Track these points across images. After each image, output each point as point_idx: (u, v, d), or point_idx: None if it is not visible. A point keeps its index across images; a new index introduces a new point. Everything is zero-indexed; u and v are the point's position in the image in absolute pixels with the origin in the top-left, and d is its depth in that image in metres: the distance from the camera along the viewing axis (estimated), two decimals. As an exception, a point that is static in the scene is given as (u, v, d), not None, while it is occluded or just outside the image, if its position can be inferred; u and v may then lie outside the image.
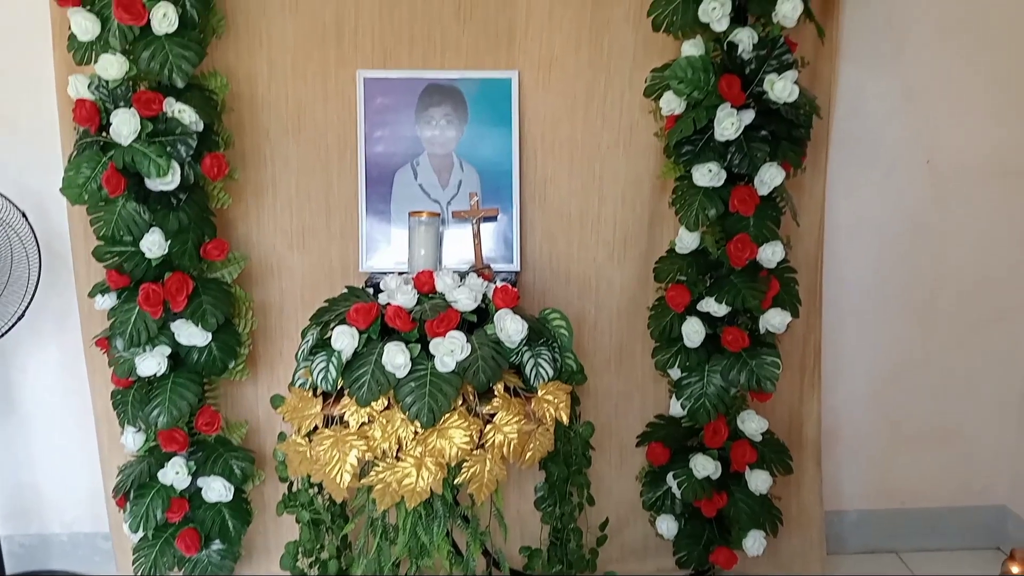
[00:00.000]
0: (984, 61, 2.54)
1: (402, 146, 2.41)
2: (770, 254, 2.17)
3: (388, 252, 2.42)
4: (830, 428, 2.74)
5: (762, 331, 2.25)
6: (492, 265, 2.41)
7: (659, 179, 2.36)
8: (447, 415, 1.86)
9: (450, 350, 1.88)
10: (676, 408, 2.36)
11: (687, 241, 2.21)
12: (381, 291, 2.07)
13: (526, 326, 1.96)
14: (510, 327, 1.94)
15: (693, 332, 2.22)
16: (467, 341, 1.89)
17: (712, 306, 2.19)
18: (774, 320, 2.20)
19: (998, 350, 2.77)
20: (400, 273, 2.21)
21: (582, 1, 2.34)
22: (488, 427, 1.89)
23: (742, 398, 2.37)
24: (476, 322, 2.01)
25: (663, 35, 2.22)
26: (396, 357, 1.87)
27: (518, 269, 2.46)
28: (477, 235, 2.41)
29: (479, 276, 2.19)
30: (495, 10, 2.35)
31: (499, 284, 2.07)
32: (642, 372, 2.55)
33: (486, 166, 2.42)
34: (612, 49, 2.36)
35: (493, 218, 2.43)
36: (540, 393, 1.97)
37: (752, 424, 2.32)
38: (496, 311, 2.01)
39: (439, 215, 2.37)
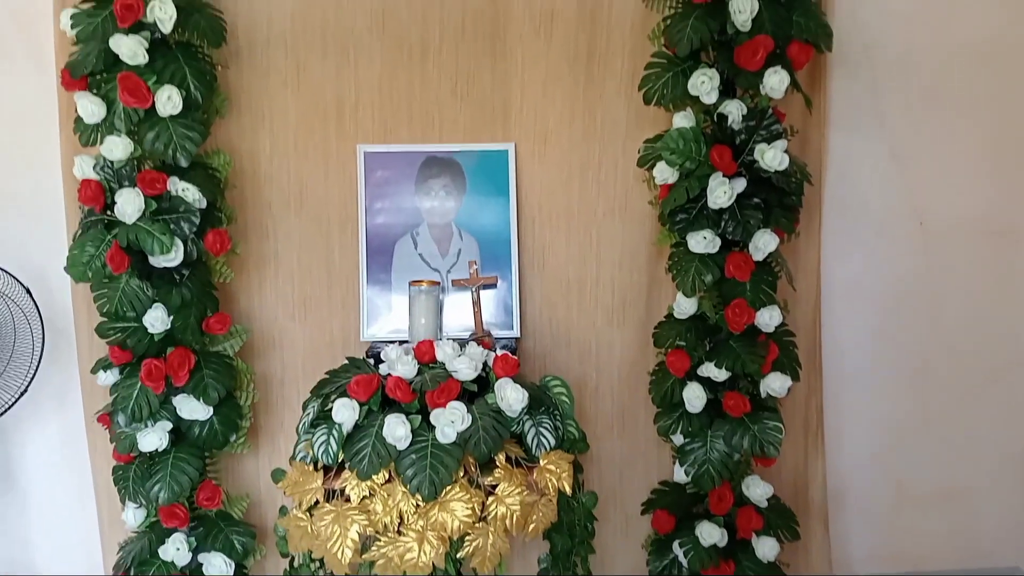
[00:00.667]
0: (967, 124, 2.59)
1: (402, 217, 2.45)
2: (768, 319, 2.18)
3: (389, 321, 2.44)
4: (836, 491, 2.70)
5: (763, 395, 2.25)
6: (492, 332, 2.42)
7: (655, 246, 2.39)
8: (449, 487, 1.85)
9: (451, 421, 1.88)
10: (680, 474, 2.33)
11: (685, 306, 2.22)
12: (382, 361, 2.06)
13: (526, 395, 1.96)
14: (511, 396, 1.94)
15: (694, 397, 2.22)
16: (468, 411, 1.89)
17: (712, 371, 2.19)
18: (775, 384, 2.20)
19: (998, 408, 2.76)
20: (401, 343, 2.22)
21: (574, 78, 2.42)
22: (490, 499, 1.88)
23: (746, 463, 2.35)
24: (477, 391, 2.00)
25: (655, 107, 2.27)
26: (397, 429, 1.86)
27: (518, 335, 2.47)
28: (477, 303, 2.42)
29: (479, 344, 2.20)
30: (490, 88, 2.42)
31: (499, 352, 2.08)
32: (645, 437, 2.53)
33: (485, 235, 2.46)
34: (605, 121, 2.43)
35: (493, 285, 2.45)
36: (542, 463, 1.95)
37: (757, 490, 2.30)
38: (496, 380, 2.01)
39: (439, 284, 2.38)
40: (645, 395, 2.43)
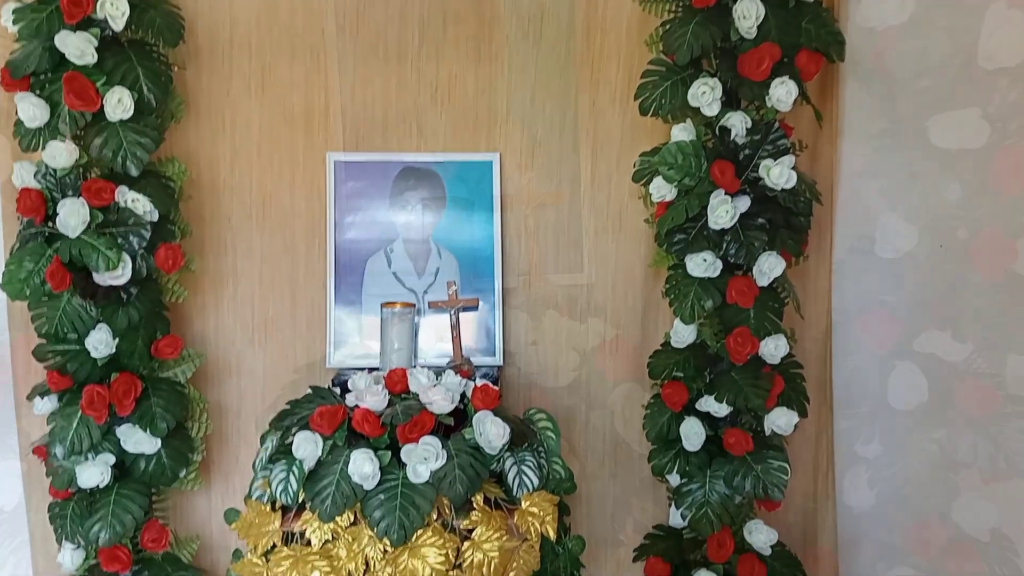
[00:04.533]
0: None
1: (375, 232, 2.44)
2: (773, 349, 2.17)
3: (359, 346, 2.42)
4: (849, 538, 2.67)
5: (768, 432, 2.23)
6: (472, 359, 2.39)
7: (651, 267, 2.37)
8: (420, 531, 1.81)
9: (424, 458, 1.85)
10: (676, 518, 2.31)
11: (683, 334, 2.21)
12: (349, 391, 2.04)
13: (508, 430, 1.93)
14: (491, 431, 1.92)
15: (692, 434, 2.20)
16: (443, 448, 1.86)
17: (712, 405, 2.18)
18: (780, 420, 2.19)
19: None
20: (371, 370, 2.19)
21: (564, 86, 2.42)
22: (466, 544, 1.84)
23: (748, 506, 2.32)
24: (453, 425, 1.98)
25: (649, 120, 2.28)
26: (364, 466, 1.83)
27: (501, 363, 2.44)
28: (456, 327, 2.39)
29: (457, 373, 2.17)
30: (474, 94, 2.42)
31: (479, 382, 2.05)
32: (640, 476, 2.51)
33: (465, 252, 2.45)
34: (598, 132, 2.44)
35: (474, 308, 2.43)
36: (524, 505, 1.93)
37: (760, 536, 2.27)
38: (475, 413, 1.98)
39: (414, 306, 2.36)
40: (640, 430, 2.41)
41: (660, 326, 2.45)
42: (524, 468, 1.95)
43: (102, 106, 2.03)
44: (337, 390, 2.13)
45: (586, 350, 2.51)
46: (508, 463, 1.94)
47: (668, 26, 2.11)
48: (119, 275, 2.04)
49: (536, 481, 1.94)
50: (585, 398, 2.53)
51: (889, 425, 2.56)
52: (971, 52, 2.31)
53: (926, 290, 2.48)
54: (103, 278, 2.05)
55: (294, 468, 1.87)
